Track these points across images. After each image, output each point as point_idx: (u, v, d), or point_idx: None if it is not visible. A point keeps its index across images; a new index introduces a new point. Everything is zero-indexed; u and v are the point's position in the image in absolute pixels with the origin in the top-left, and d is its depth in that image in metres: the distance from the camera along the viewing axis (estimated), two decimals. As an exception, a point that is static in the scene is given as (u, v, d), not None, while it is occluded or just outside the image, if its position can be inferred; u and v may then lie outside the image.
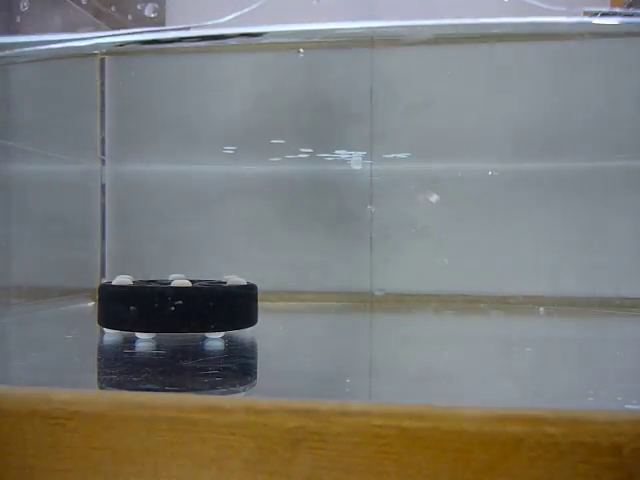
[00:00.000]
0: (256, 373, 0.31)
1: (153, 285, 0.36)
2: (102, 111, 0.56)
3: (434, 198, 0.51)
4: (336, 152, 0.54)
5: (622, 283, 0.51)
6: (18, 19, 0.43)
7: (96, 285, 0.39)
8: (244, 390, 0.26)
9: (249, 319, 0.37)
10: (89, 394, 0.21)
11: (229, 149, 0.55)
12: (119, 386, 0.25)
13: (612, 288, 0.51)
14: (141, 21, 0.44)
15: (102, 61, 0.56)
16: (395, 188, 0.54)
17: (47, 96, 0.52)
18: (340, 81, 0.55)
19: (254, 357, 0.35)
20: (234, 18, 0.42)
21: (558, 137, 0.52)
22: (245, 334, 0.37)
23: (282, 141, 0.54)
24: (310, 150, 0.54)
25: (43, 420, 0.20)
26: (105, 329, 0.36)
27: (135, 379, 0.26)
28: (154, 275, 0.40)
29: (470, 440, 0.18)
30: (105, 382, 0.27)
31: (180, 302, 0.34)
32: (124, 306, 0.34)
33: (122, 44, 0.44)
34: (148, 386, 0.25)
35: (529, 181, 0.53)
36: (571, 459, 0.18)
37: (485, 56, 0.53)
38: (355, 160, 0.53)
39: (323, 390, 0.26)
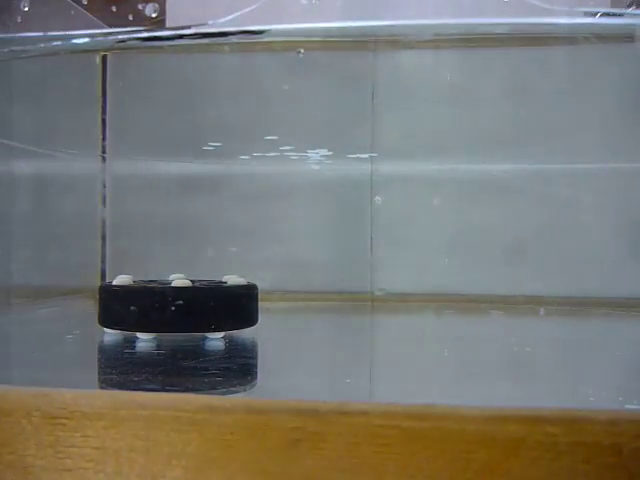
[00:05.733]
0: (256, 373, 0.31)
1: (153, 285, 0.36)
2: (103, 108, 0.56)
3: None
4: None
5: (622, 283, 0.51)
6: (19, 18, 0.43)
7: (96, 285, 0.39)
8: (244, 390, 0.26)
9: (250, 319, 0.37)
10: (89, 394, 0.21)
11: (228, 148, 0.55)
12: (119, 386, 0.25)
13: (612, 288, 0.51)
14: (141, 21, 0.44)
15: (104, 58, 0.56)
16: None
17: (48, 94, 0.52)
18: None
19: (254, 357, 0.35)
20: (234, 18, 0.42)
21: (559, 138, 0.52)
22: (245, 334, 0.37)
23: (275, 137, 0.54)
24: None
25: (43, 420, 0.20)
26: (105, 329, 0.36)
27: (135, 379, 0.26)
28: (154, 275, 0.40)
29: (470, 440, 0.18)
30: (105, 382, 0.27)
31: (180, 302, 0.34)
32: (124, 306, 0.34)
33: (122, 41, 0.44)
34: (148, 386, 0.25)
35: (529, 181, 0.53)
36: (571, 459, 0.18)
37: (485, 61, 0.53)
38: (314, 159, 0.53)
39: (323, 390, 0.26)
